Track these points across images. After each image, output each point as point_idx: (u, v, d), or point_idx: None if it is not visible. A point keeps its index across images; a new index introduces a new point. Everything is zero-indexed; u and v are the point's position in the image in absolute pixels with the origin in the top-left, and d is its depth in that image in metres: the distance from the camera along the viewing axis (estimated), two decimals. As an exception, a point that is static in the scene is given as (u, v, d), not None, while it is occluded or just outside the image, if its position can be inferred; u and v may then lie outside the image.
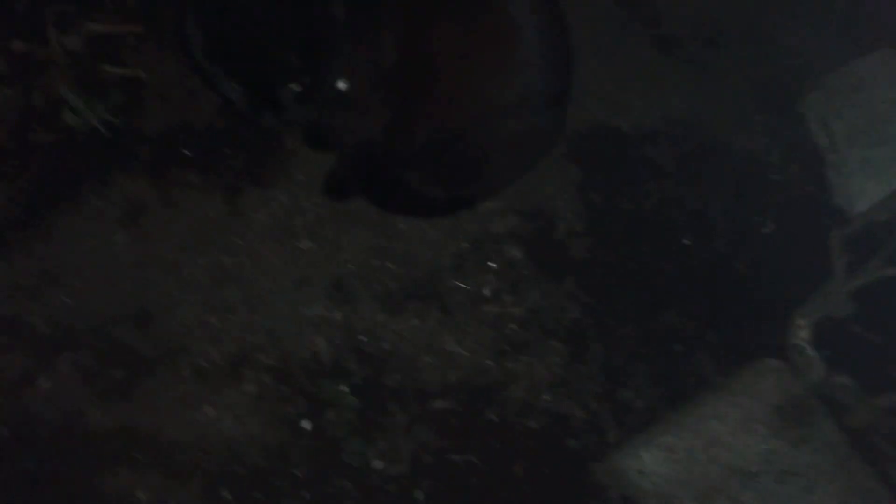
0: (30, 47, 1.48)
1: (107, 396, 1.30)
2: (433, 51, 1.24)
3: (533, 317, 1.58)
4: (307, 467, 1.35)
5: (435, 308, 1.55)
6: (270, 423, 1.36)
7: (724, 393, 1.36)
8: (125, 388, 1.31)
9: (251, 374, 1.38)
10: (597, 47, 1.86)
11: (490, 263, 1.62)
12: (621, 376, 1.55)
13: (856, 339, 1.54)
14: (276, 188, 1.55)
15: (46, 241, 1.38)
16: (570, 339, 1.57)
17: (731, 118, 1.86)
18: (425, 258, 1.58)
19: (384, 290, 1.53)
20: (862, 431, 1.42)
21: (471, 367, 1.51)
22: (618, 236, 1.69)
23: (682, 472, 1.32)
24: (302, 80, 1.14)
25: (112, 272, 1.40)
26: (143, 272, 1.41)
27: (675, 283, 1.66)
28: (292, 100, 1.12)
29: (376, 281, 1.54)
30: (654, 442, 1.37)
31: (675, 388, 1.53)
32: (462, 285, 1.58)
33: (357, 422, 1.39)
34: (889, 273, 1.46)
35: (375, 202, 1.55)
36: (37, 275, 1.36)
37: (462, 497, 1.39)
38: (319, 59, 1.14)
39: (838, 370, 1.43)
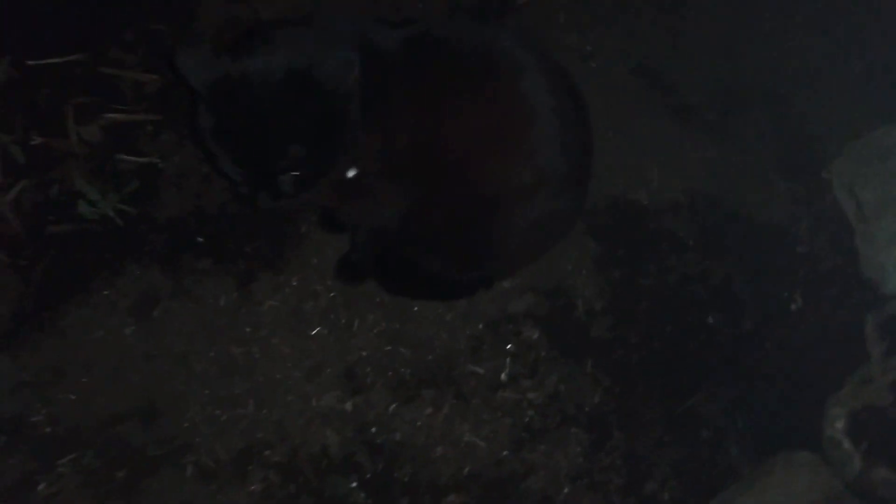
0: (49, 140, 1.51)
1: (108, 500, 1.26)
2: (446, 134, 1.22)
3: (552, 402, 1.52)
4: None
5: (450, 395, 1.50)
6: (276, 524, 1.32)
7: (754, 490, 1.28)
8: (127, 490, 1.28)
9: (257, 471, 1.34)
10: (612, 118, 1.84)
11: (508, 346, 1.57)
12: (645, 467, 1.47)
13: (896, 429, 1.45)
14: (289, 273, 1.53)
15: (55, 335, 1.38)
16: (591, 426, 1.51)
17: (755, 188, 1.81)
18: (440, 342, 1.55)
19: (397, 378, 1.49)
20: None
21: (487, 458, 1.45)
22: (640, 315, 1.64)
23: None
24: (304, 167, 1.12)
25: (120, 366, 1.38)
26: (152, 365, 1.40)
27: (701, 364, 1.59)
28: (291, 185, 1.11)
29: (389, 367, 1.50)
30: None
31: (702, 480, 1.45)
32: (478, 370, 1.54)
33: (367, 519, 1.34)
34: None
35: (388, 286, 1.53)
36: (44, 371, 1.35)
37: None
38: (326, 148, 1.13)
39: (878, 463, 1.34)
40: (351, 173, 1.19)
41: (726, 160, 1.84)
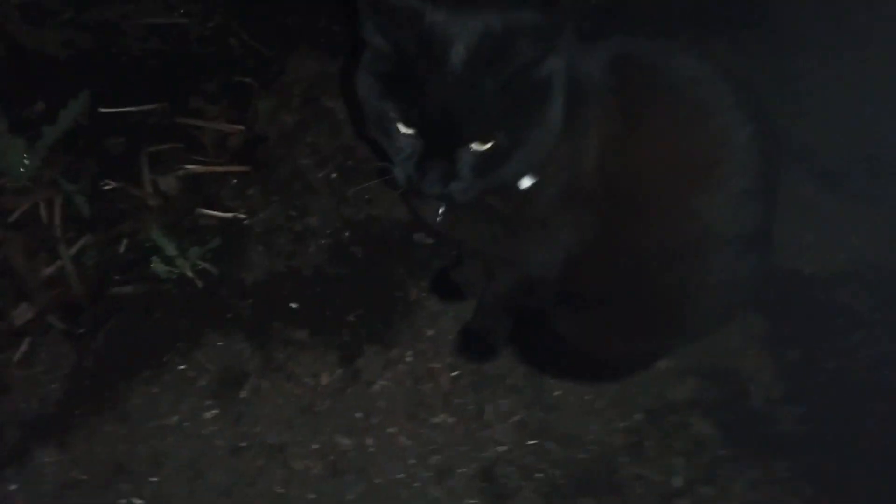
0: (123, 186, 1.27)
1: None
2: (640, 164, 0.98)
3: (745, 516, 1.16)
4: None
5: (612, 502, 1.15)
6: None
7: None
8: None
9: None
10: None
11: (676, 443, 1.24)
12: None
13: None
14: (402, 347, 1.24)
15: (117, 420, 1.06)
16: (802, 548, 1.14)
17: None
18: (593, 436, 1.22)
19: (547, 481, 1.14)
20: None
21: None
22: (832, 404, 1.31)
23: None
24: (493, 140, 0.84)
25: (199, 461, 1.05)
26: (240, 460, 1.06)
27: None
28: (471, 169, 0.83)
29: (535, 468, 1.16)
30: None
31: None
32: (645, 472, 1.19)
33: None
34: None
35: (526, 360, 1.22)
36: (101, 467, 1.02)
37: None
38: (524, 138, 0.87)
39: None
40: (527, 183, 0.94)
41: (884, 228, 1.59)
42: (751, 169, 1.03)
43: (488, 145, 0.84)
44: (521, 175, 0.93)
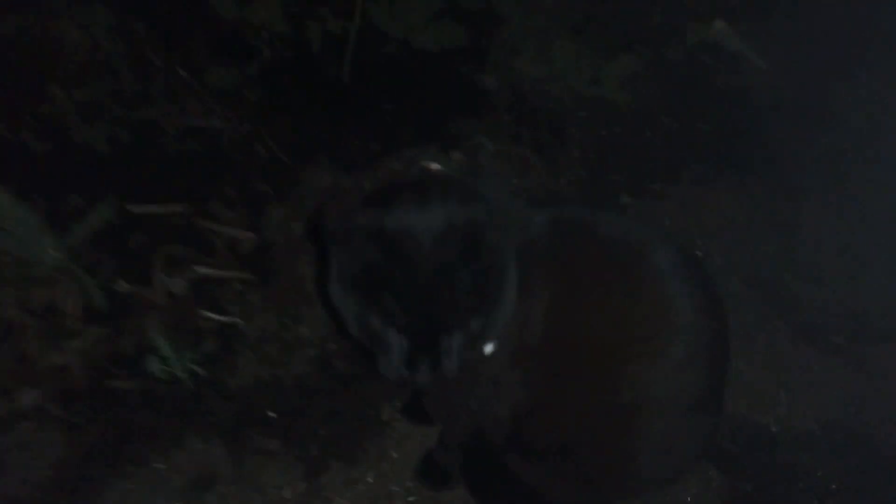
0: (133, 288, 1.40)
1: None
2: (586, 329, 1.06)
3: None
4: None
5: None
6: None
7: None
8: None
9: None
10: (731, 334, 1.67)
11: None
12: None
13: None
14: (365, 467, 1.32)
15: (91, 512, 1.16)
16: None
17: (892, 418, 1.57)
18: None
19: None
20: None
21: None
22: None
23: None
24: (469, 329, 0.93)
25: (159, 561, 1.13)
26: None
27: None
28: (453, 351, 0.91)
29: None
30: None
31: None
32: None
33: None
34: None
35: (478, 496, 1.29)
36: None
37: None
38: (494, 314, 0.96)
39: None
40: (489, 349, 1.02)
41: (863, 391, 1.62)
42: (693, 338, 1.10)
43: (467, 330, 0.93)
44: (486, 343, 1.02)
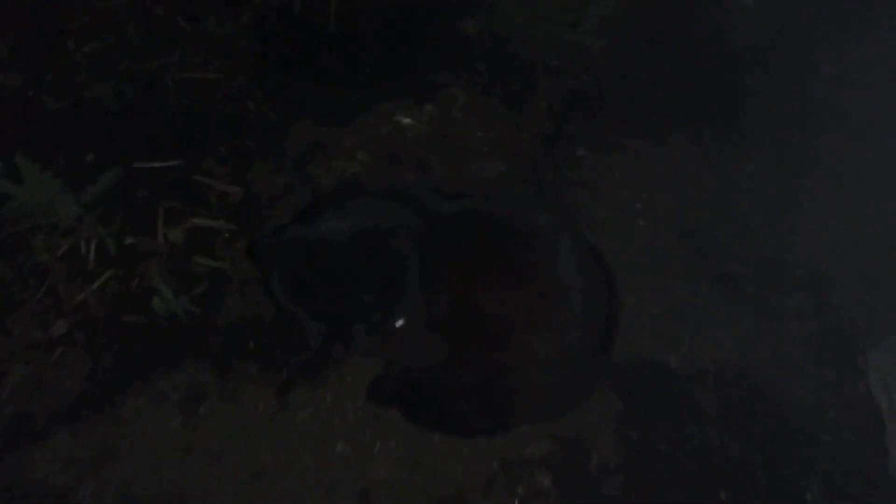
0: (139, 240, 1.71)
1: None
2: (481, 303, 1.34)
3: (552, 555, 1.56)
4: None
5: (456, 531, 1.56)
6: None
7: None
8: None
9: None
10: (652, 278, 1.92)
11: (518, 489, 1.63)
12: None
13: None
14: (326, 388, 1.66)
15: (111, 418, 1.53)
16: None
17: (786, 367, 1.84)
18: (454, 475, 1.62)
19: (409, 496, 1.56)
20: None
21: None
22: (652, 478, 1.67)
23: None
24: (371, 318, 1.24)
25: (161, 456, 1.52)
26: (189, 458, 1.52)
27: (707, 540, 1.60)
28: (362, 335, 1.22)
29: (403, 494, 1.58)
30: None
31: None
32: (487, 510, 1.59)
33: None
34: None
35: (411, 415, 1.63)
36: (94, 449, 1.50)
37: None
38: (391, 301, 1.25)
39: None
40: (399, 323, 1.32)
41: (760, 335, 1.88)
42: (581, 307, 1.37)
43: (370, 319, 1.21)
44: (396, 320, 1.30)
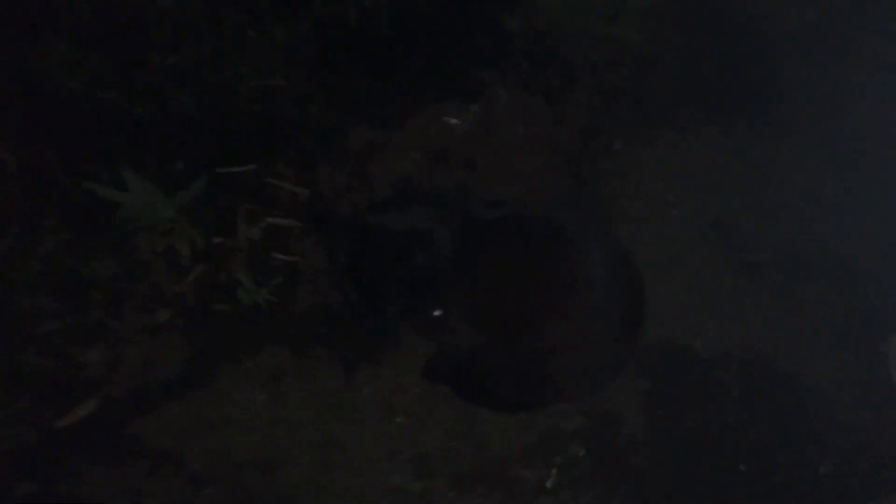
0: (224, 239, 1.97)
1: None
2: (515, 297, 1.55)
3: (584, 516, 1.79)
4: None
5: (499, 492, 1.81)
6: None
7: None
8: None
9: (339, 532, 1.71)
10: (683, 266, 2.09)
11: (556, 458, 1.86)
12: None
13: None
14: (386, 367, 1.90)
15: (209, 393, 1.82)
16: (614, 544, 1.76)
17: (807, 351, 2.00)
18: (498, 445, 1.86)
19: (458, 470, 1.81)
20: None
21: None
22: (677, 452, 1.87)
23: None
24: (410, 305, 1.49)
25: (251, 425, 1.80)
26: (274, 428, 1.80)
27: (724, 507, 1.80)
28: (395, 315, 1.48)
29: (453, 460, 1.83)
30: None
31: None
32: (527, 474, 1.83)
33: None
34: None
35: (460, 393, 1.87)
36: (197, 419, 1.79)
37: None
38: (422, 292, 1.49)
39: None
40: (437, 313, 1.55)
41: (784, 321, 2.03)
42: (607, 301, 1.57)
43: (409, 304, 1.45)
44: (435, 310, 1.53)
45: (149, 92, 2.26)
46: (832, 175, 2.25)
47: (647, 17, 2.48)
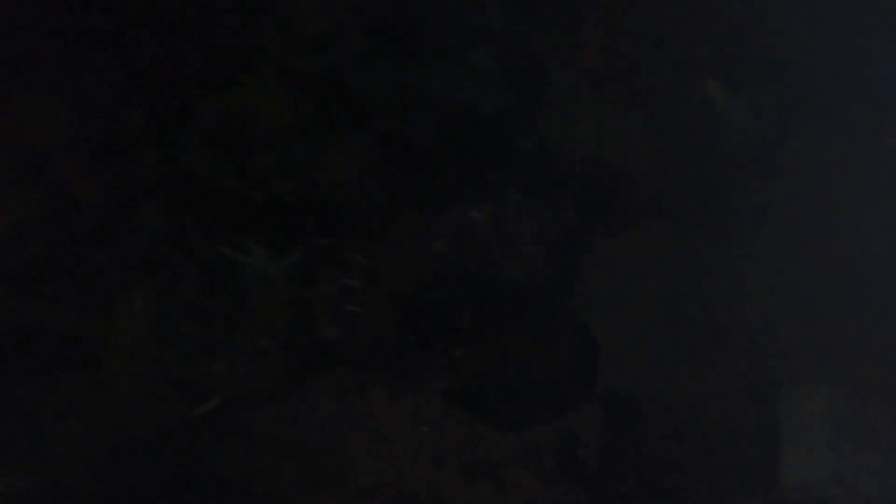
0: (312, 292, 2.83)
1: None
2: (511, 348, 2.38)
3: None
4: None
5: (491, 482, 2.61)
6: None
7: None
8: None
9: None
10: (634, 336, 2.91)
11: (531, 464, 2.65)
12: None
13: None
14: (417, 390, 2.73)
15: (295, 398, 2.65)
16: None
17: (719, 401, 2.79)
18: (495, 450, 2.66)
19: (465, 466, 2.62)
20: None
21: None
22: (619, 464, 2.67)
23: None
24: (439, 344, 2.33)
25: (324, 423, 2.62)
26: (339, 426, 2.63)
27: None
28: (434, 351, 2.31)
29: (464, 458, 2.63)
30: None
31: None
32: (513, 472, 2.63)
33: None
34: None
35: (471, 414, 2.68)
36: (286, 416, 2.62)
37: None
38: (449, 339, 2.33)
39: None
40: (458, 353, 2.39)
41: (705, 378, 2.84)
42: (570, 355, 2.41)
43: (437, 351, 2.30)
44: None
45: (258, 182, 3.15)
46: (752, 270, 3.08)
47: (629, 140, 3.35)
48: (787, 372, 2.82)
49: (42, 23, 3.39)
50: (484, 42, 3.54)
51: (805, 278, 3.02)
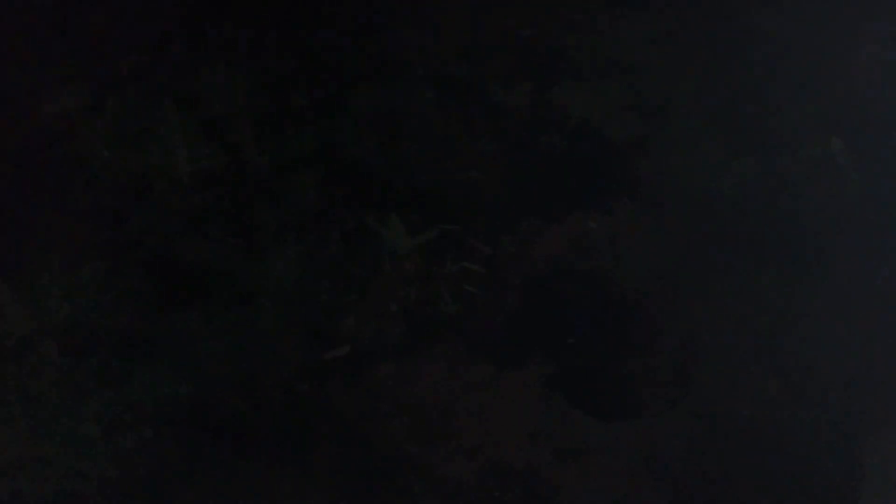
0: (437, 270, 3.15)
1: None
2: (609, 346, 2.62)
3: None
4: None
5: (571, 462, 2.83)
6: None
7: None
8: None
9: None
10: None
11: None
12: None
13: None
14: (523, 368, 2.99)
15: (411, 359, 2.96)
16: None
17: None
18: (584, 433, 2.89)
19: (558, 445, 2.85)
20: None
21: None
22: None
23: None
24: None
25: (434, 386, 2.92)
26: (446, 389, 2.92)
27: None
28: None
29: (555, 434, 2.87)
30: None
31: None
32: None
33: None
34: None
35: (569, 399, 2.92)
36: (403, 374, 2.93)
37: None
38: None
39: None
40: (570, 340, 2.64)
41: (776, 388, 2.99)
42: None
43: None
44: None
45: (401, 168, 3.52)
46: (853, 316, 3.20)
47: (741, 183, 3.55)
48: (880, 416, 2.92)
49: (236, 8, 3.91)
50: (618, 72, 3.83)
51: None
